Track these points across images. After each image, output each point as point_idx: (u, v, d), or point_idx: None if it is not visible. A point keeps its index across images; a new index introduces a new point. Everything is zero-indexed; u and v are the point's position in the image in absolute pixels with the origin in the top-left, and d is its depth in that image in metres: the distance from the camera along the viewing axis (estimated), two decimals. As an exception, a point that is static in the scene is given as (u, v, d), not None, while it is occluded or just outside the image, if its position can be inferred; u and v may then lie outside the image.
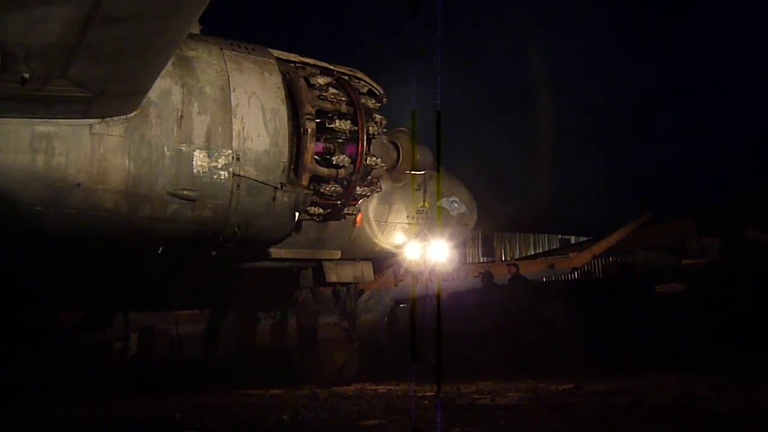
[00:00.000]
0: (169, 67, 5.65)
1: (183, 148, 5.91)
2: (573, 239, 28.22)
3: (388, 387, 8.37)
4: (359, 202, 7.75)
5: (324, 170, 7.00)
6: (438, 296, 11.06)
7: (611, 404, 6.03)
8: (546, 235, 29.38)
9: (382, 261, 9.94)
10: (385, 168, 8.28)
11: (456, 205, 10.46)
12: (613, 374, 8.32)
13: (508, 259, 25.95)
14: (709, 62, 63.30)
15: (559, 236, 29.58)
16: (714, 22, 61.60)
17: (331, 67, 7.58)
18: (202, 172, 5.97)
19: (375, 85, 7.86)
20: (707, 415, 5.33)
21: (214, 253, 6.84)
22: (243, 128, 6.21)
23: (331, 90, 7.16)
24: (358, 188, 7.38)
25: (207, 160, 5.99)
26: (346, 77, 7.58)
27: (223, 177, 6.09)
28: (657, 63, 64.72)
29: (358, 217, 8.44)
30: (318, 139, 6.89)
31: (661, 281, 12.45)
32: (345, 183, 7.26)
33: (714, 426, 5.00)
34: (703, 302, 11.16)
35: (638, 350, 9.88)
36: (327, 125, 7.02)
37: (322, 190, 7.10)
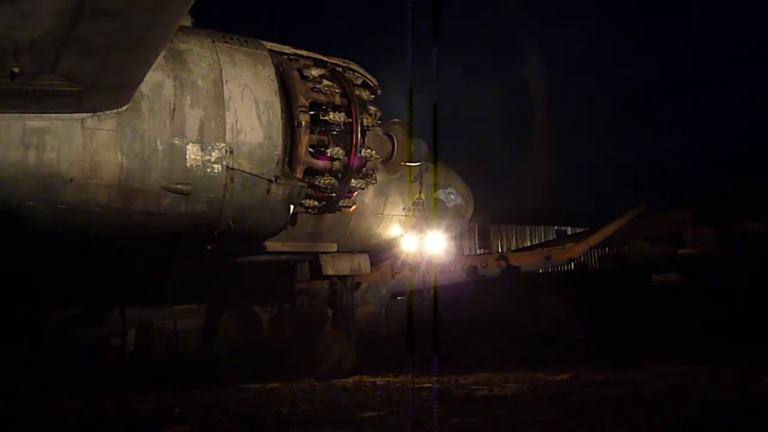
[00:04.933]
0: (160, 60, 5.61)
1: (176, 141, 5.87)
2: (569, 230, 28.25)
3: (386, 379, 8.36)
4: (354, 194, 7.72)
5: (319, 163, 6.97)
6: (435, 288, 11.07)
7: (609, 394, 6.03)
8: (542, 226, 29.41)
9: (379, 253, 9.94)
10: (381, 160, 8.26)
11: (452, 196, 10.44)
12: (611, 364, 8.33)
13: (505, 250, 25.99)
14: (705, 53, 63.35)
15: (556, 227, 29.62)
16: (713, 13, 61.57)
17: (325, 58, 7.52)
18: (196, 165, 5.93)
19: (369, 76, 7.81)
20: (704, 405, 5.34)
21: (209, 247, 6.82)
22: (236, 121, 6.17)
23: (325, 82, 7.11)
24: (353, 180, 7.35)
25: (200, 153, 5.95)
26: (340, 69, 7.53)
27: (216, 170, 6.05)
28: (654, 54, 64.71)
29: (352, 208, 8.41)
30: (312, 132, 6.85)
31: (657, 272, 12.47)
32: (340, 175, 7.23)
33: (711, 415, 5.01)
34: (699, 292, 11.18)
35: (635, 340, 9.90)
36: (321, 117, 6.97)
37: (317, 182, 7.07)
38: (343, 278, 9.11)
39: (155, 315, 10.53)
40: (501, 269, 13.14)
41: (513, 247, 27.04)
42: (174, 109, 5.85)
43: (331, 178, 7.15)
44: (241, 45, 6.54)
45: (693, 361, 8.01)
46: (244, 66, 6.38)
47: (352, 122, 7.11)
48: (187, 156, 5.89)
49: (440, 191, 10.17)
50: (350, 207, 7.97)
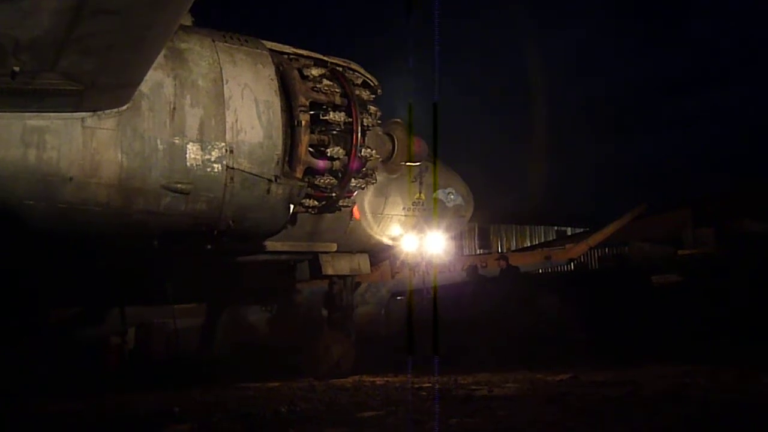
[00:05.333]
0: (161, 59, 5.61)
1: (176, 141, 5.87)
2: (569, 231, 28.25)
3: (385, 378, 8.36)
4: (354, 194, 7.72)
5: (318, 162, 6.97)
6: (435, 288, 11.07)
7: (609, 394, 6.03)
8: (542, 226, 29.44)
9: (379, 253, 9.94)
10: (381, 160, 8.25)
11: (452, 196, 10.44)
12: (611, 365, 8.33)
13: (505, 250, 25.99)
14: (705, 53, 63.40)
15: (556, 228, 29.64)
16: (713, 13, 61.62)
17: (325, 58, 7.52)
18: (196, 165, 5.93)
19: (369, 76, 7.81)
20: (704, 405, 5.34)
21: (209, 246, 6.81)
22: (236, 120, 6.17)
23: (325, 81, 7.11)
24: (353, 180, 7.34)
25: (200, 152, 5.95)
26: (341, 68, 7.52)
27: (216, 170, 6.05)
28: (654, 54, 64.76)
29: (355, 211, 8.42)
30: (312, 131, 6.85)
31: (657, 272, 12.47)
32: (340, 175, 7.23)
33: (711, 415, 5.01)
34: (699, 293, 11.18)
35: (635, 341, 9.90)
36: (321, 117, 6.97)
37: (316, 182, 7.07)
38: (342, 278, 9.11)
39: (155, 314, 10.53)
40: (501, 269, 13.15)
41: (513, 247, 27.04)
42: (174, 109, 5.85)
43: (331, 177, 7.15)
44: (242, 44, 6.53)
45: (693, 361, 8.01)
46: (244, 65, 6.38)
47: (352, 122, 7.11)
48: (187, 155, 5.89)
49: (440, 191, 10.17)
50: (350, 206, 7.97)
